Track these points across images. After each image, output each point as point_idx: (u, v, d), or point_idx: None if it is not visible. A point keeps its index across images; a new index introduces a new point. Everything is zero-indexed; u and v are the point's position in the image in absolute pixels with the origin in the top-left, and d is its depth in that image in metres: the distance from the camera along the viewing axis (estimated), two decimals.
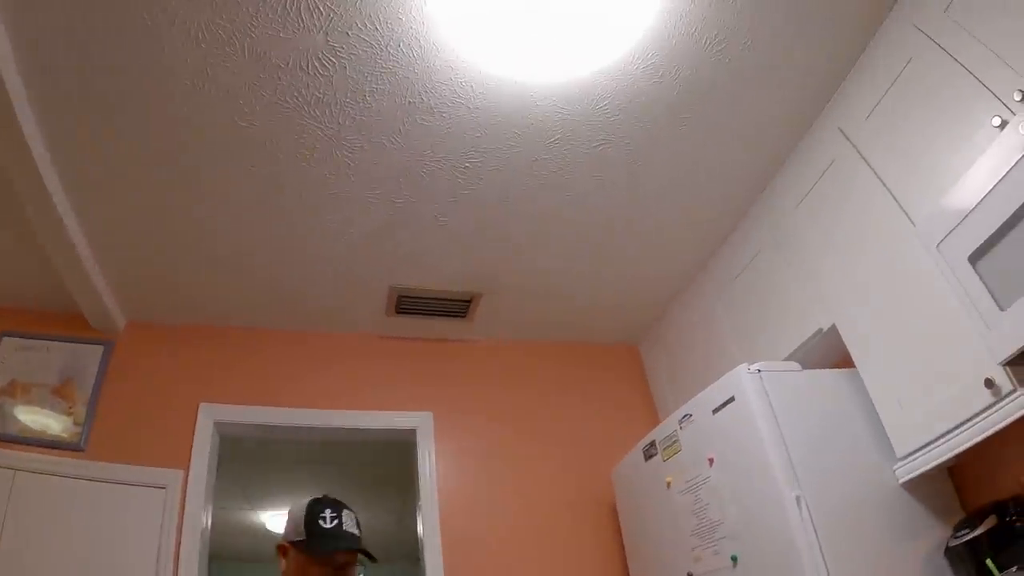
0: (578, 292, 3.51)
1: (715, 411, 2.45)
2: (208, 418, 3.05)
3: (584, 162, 2.69)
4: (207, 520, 2.95)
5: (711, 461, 2.43)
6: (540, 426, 3.54)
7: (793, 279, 2.77)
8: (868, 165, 2.41)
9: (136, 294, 3.11)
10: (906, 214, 2.27)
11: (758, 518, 2.23)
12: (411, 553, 3.46)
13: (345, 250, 2.95)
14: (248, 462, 4.70)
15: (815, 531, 2.11)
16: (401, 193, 2.67)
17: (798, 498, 2.14)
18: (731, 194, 3.02)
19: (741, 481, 2.31)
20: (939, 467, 2.27)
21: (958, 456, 2.41)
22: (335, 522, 1.72)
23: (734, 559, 2.29)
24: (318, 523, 1.70)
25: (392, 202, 2.71)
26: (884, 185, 2.35)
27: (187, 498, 2.88)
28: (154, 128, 2.32)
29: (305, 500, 1.76)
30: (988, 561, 1.84)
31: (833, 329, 2.55)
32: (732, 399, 2.38)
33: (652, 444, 2.79)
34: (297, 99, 2.24)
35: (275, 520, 5.98)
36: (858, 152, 2.45)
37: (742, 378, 2.36)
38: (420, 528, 3.13)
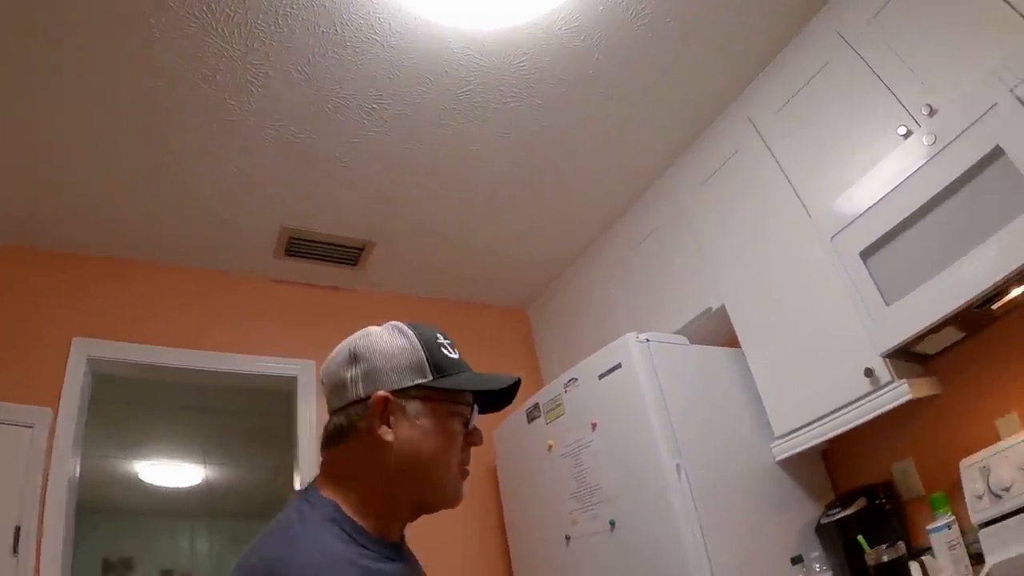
0: (472, 250, 3.43)
1: (601, 376, 2.45)
2: (81, 353, 2.73)
3: (493, 118, 2.59)
4: (76, 465, 2.65)
5: (594, 426, 2.44)
6: None
7: (688, 257, 2.82)
8: (773, 156, 2.48)
9: (9, 211, 2.74)
10: (804, 206, 2.35)
11: (638, 484, 2.26)
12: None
13: (237, 183, 2.71)
14: (123, 407, 4.35)
15: (693, 499, 2.17)
16: (303, 128, 2.48)
17: (678, 466, 2.18)
18: (637, 168, 3.01)
19: (623, 447, 2.33)
20: (814, 449, 2.39)
21: (831, 440, 2.52)
22: (457, 352, 1.16)
23: (612, 523, 2.31)
24: (443, 351, 1.11)
25: (292, 137, 2.50)
26: (786, 177, 2.42)
27: (55, 439, 2.56)
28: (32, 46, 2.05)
29: (386, 326, 1.14)
30: (860, 537, 1.90)
31: (722, 309, 2.63)
32: (619, 366, 2.38)
33: (536, 407, 2.77)
34: (206, 14, 2.07)
35: (150, 471, 5.56)
36: (764, 143, 2.51)
37: (630, 346, 2.38)
38: (296, 483, 3.02)
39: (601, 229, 3.41)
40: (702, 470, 2.25)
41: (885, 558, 1.70)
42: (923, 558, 2.00)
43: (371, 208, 2.98)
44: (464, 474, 1.11)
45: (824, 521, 2.34)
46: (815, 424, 2.27)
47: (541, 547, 2.70)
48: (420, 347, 1.08)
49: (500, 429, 3.03)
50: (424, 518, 2.76)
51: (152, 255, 3.11)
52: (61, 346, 2.73)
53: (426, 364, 1.06)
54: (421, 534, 2.95)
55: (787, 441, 2.37)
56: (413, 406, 1.04)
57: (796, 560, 1.95)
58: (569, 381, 2.59)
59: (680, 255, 2.87)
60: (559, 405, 2.61)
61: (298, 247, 3.15)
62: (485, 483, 3.21)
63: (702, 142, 2.86)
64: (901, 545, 1.70)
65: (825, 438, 2.24)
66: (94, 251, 2.98)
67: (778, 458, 2.41)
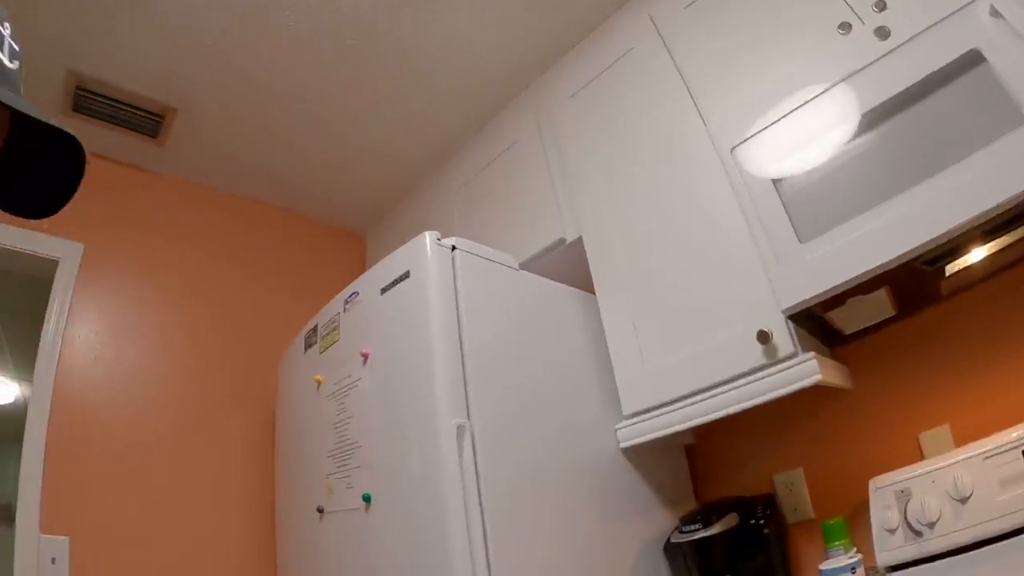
0: (298, 142, 2.75)
1: (385, 289, 1.73)
2: None
3: None
4: None
5: (365, 357, 1.71)
6: (223, 298, 2.75)
7: (546, 177, 2.19)
8: (671, 57, 1.87)
9: None
10: (700, 114, 1.75)
11: (404, 447, 1.54)
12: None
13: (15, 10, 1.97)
14: None
15: (478, 480, 1.44)
16: None
17: (460, 428, 1.45)
18: (504, 72, 2.45)
19: (395, 390, 1.61)
20: (674, 439, 1.76)
21: (698, 432, 1.90)
22: (15, 62, 0.70)
23: (367, 499, 1.58)
24: None
25: None
26: (682, 79, 1.82)
27: None
28: None
29: None
30: None
31: (579, 242, 2.00)
32: (407, 275, 1.67)
33: (314, 330, 2.03)
34: None
35: None
36: (663, 42, 1.90)
37: (426, 249, 1.65)
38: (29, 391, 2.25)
39: (452, 147, 2.79)
40: (502, 442, 1.53)
41: None
42: None
43: (166, 58, 2.28)
44: None
45: (676, 539, 1.70)
46: (679, 403, 1.63)
47: (296, 517, 1.96)
48: None
49: (283, 359, 2.30)
50: (180, 464, 2.29)
51: None
52: None
53: None
54: (180, 468, 2.31)
55: (638, 423, 1.72)
56: None
57: None
58: (351, 296, 1.86)
59: (538, 174, 2.21)
60: (336, 329, 1.88)
61: (88, 101, 2.42)
62: (265, 428, 2.52)
63: (587, 43, 2.29)
64: None
65: (690, 424, 1.61)
66: None
67: (623, 444, 1.75)
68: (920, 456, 1.59)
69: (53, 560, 2.00)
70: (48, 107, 2.41)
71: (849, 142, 1.40)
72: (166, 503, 2.27)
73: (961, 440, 1.53)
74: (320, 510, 1.78)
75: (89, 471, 2.18)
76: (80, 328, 2.36)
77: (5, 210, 0.73)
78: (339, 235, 3.31)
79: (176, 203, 2.77)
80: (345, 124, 2.62)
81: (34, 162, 0.71)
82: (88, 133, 2.51)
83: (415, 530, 1.46)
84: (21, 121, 0.66)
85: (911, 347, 1.68)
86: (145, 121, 2.53)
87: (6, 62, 0.67)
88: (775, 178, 1.49)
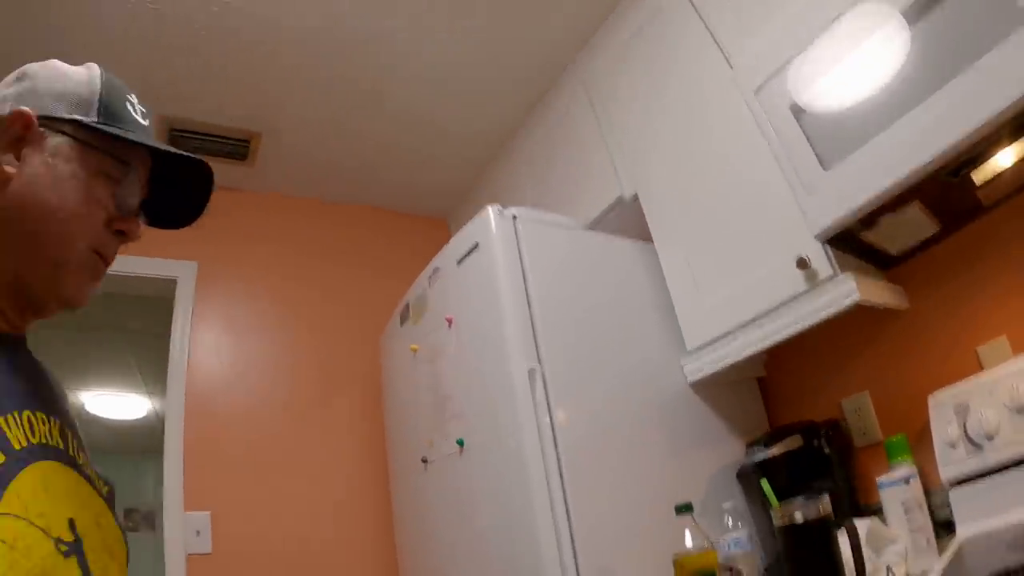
0: (377, 148, 2.97)
1: (459, 261, 1.94)
2: None
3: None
4: None
5: (450, 322, 1.93)
6: (323, 292, 3.05)
7: (600, 144, 2.32)
8: (696, 10, 1.95)
9: None
10: (727, 59, 1.84)
11: (487, 395, 1.76)
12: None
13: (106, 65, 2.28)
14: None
15: (551, 417, 1.63)
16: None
17: (532, 371, 1.65)
18: (550, 45, 2.53)
19: (476, 346, 1.83)
20: (738, 369, 1.88)
21: (766, 363, 2.01)
22: (148, 123, 0.93)
23: (460, 443, 1.81)
24: (127, 107, 0.89)
25: (145, 7, 2.07)
26: (710, 32, 1.90)
27: None
28: None
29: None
30: (763, 482, 1.39)
31: (636, 199, 2.13)
32: (476, 246, 1.87)
33: (407, 307, 2.28)
34: None
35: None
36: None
37: (490, 221, 1.85)
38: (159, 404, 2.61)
39: (515, 125, 2.91)
40: (573, 382, 1.72)
41: (799, 517, 1.16)
42: (857, 521, 1.48)
43: (248, 91, 2.55)
44: (95, 267, 0.84)
45: (744, 464, 1.82)
46: (736, 333, 1.75)
47: (406, 470, 2.21)
48: (99, 85, 0.86)
49: (383, 336, 2.55)
50: (304, 439, 2.56)
51: None
52: None
53: (96, 103, 0.84)
54: (302, 444, 2.62)
55: (701, 357, 1.85)
56: (57, 142, 0.80)
57: (682, 509, 1.42)
58: (433, 272, 2.07)
59: (592, 139, 2.34)
60: (425, 302, 2.10)
61: (181, 138, 2.72)
62: (372, 398, 2.80)
63: (620, 11, 2.33)
64: (826, 500, 1.18)
65: (748, 352, 1.72)
66: None
67: (691, 379, 1.89)
68: (980, 370, 1.59)
69: (198, 532, 2.33)
70: None
71: (861, 68, 1.43)
72: (291, 473, 2.58)
73: (1020, 350, 1.54)
74: (424, 460, 2.01)
75: (222, 454, 2.51)
76: (203, 335, 2.70)
77: (154, 225, 0.96)
78: (423, 223, 3.52)
79: (270, 214, 3.07)
80: (417, 114, 2.79)
81: (174, 186, 0.94)
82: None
83: (500, 465, 1.66)
84: (160, 157, 0.89)
85: (963, 262, 1.69)
86: (234, 148, 2.82)
87: (141, 121, 0.89)
88: (796, 112, 1.55)
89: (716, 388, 1.96)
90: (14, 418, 0.69)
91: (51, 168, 0.78)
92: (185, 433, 2.50)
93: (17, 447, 0.66)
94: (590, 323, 1.85)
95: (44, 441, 0.72)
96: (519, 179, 2.80)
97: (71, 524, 0.68)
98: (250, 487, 2.50)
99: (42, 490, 0.67)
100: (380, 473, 2.64)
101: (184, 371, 2.61)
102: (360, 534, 2.61)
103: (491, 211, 1.85)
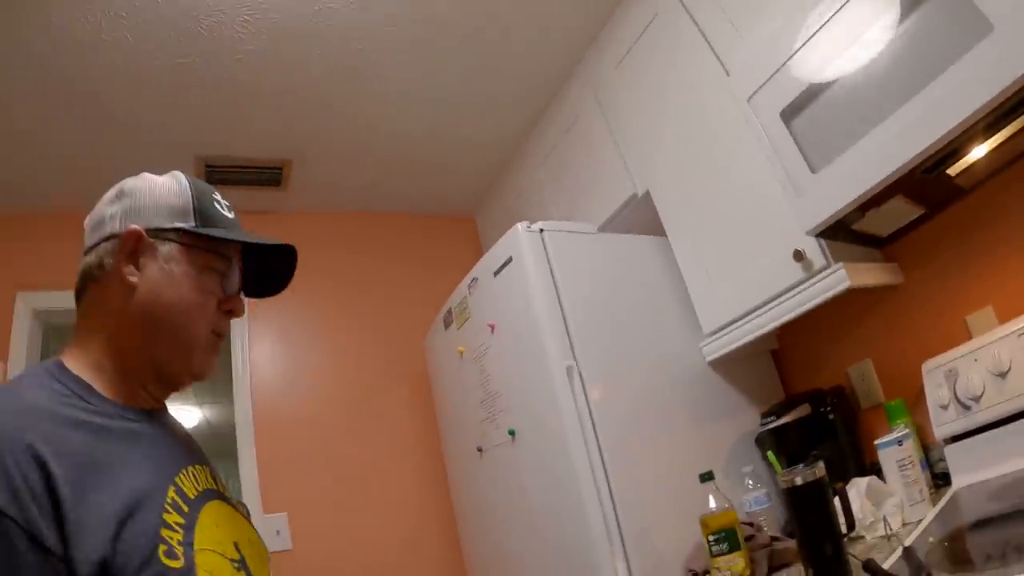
0: (398, 159, 3.14)
1: (496, 273, 2.17)
2: (27, 306, 2.72)
3: (378, 8, 2.28)
4: None
5: (492, 328, 2.17)
6: (365, 298, 3.29)
7: (611, 143, 2.48)
8: (691, 16, 2.09)
9: None
10: (723, 66, 1.99)
11: (531, 390, 2.00)
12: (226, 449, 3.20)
13: (143, 121, 2.54)
14: None
15: (589, 406, 1.88)
16: (186, 54, 2.26)
17: (570, 368, 1.89)
18: (557, 50, 2.66)
19: (518, 348, 2.06)
20: (753, 348, 2.08)
21: (781, 338, 2.20)
22: (233, 215, 1.09)
23: (512, 433, 2.07)
24: (215, 206, 1.05)
25: (177, 64, 2.29)
26: (704, 37, 2.04)
27: None
28: None
29: (166, 174, 1.05)
30: (770, 454, 1.60)
31: (648, 196, 2.31)
32: (510, 260, 2.10)
33: (449, 312, 2.51)
34: None
35: None
36: (682, 3, 2.12)
37: (520, 237, 2.07)
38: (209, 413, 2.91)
39: (529, 125, 3.06)
40: (606, 373, 1.96)
41: (799, 480, 1.37)
42: (858, 479, 1.70)
43: (276, 125, 2.74)
44: (215, 344, 1.02)
45: (759, 432, 2.04)
46: (747, 318, 1.96)
47: (462, 460, 2.48)
48: (190, 192, 1.01)
49: (428, 338, 2.80)
50: (366, 436, 2.80)
51: (82, 207, 2.92)
52: (6, 302, 2.73)
53: (192, 209, 0.99)
54: (361, 442, 2.89)
55: (717, 339, 2.07)
56: (167, 249, 0.96)
57: (705, 477, 1.65)
58: (472, 281, 2.31)
59: (604, 141, 2.51)
60: (466, 308, 2.34)
61: (217, 174, 2.94)
62: (424, 395, 3.04)
63: (620, 14, 2.45)
64: (821, 466, 1.38)
65: (758, 334, 1.93)
66: (30, 209, 2.89)
67: (709, 358, 2.11)
68: (969, 337, 1.75)
69: (277, 532, 2.62)
70: None
71: (841, 76, 1.56)
72: (354, 470, 2.85)
73: (1005, 318, 1.68)
74: (479, 449, 2.27)
75: (292, 459, 2.79)
76: (260, 349, 2.96)
77: (249, 295, 1.12)
78: (451, 222, 3.72)
79: (307, 232, 3.28)
80: (437, 129, 2.96)
81: (263, 263, 1.12)
82: (225, 197, 3.03)
83: (548, 451, 1.91)
84: (251, 246, 1.07)
85: (952, 237, 1.83)
86: (268, 176, 3.03)
87: (227, 214, 1.06)
88: (785, 118, 1.70)
89: (733, 363, 2.17)
90: (185, 474, 0.90)
91: (167, 273, 0.95)
92: (256, 439, 2.79)
93: (192, 496, 0.88)
94: (616, 317, 2.08)
95: (206, 486, 0.94)
96: (537, 179, 3.00)
97: (236, 546, 0.91)
98: (319, 486, 2.77)
99: (215, 525, 0.89)
100: (437, 463, 2.89)
101: (248, 382, 2.89)
102: (424, 520, 2.88)
103: (520, 228, 2.08)
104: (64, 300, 2.66)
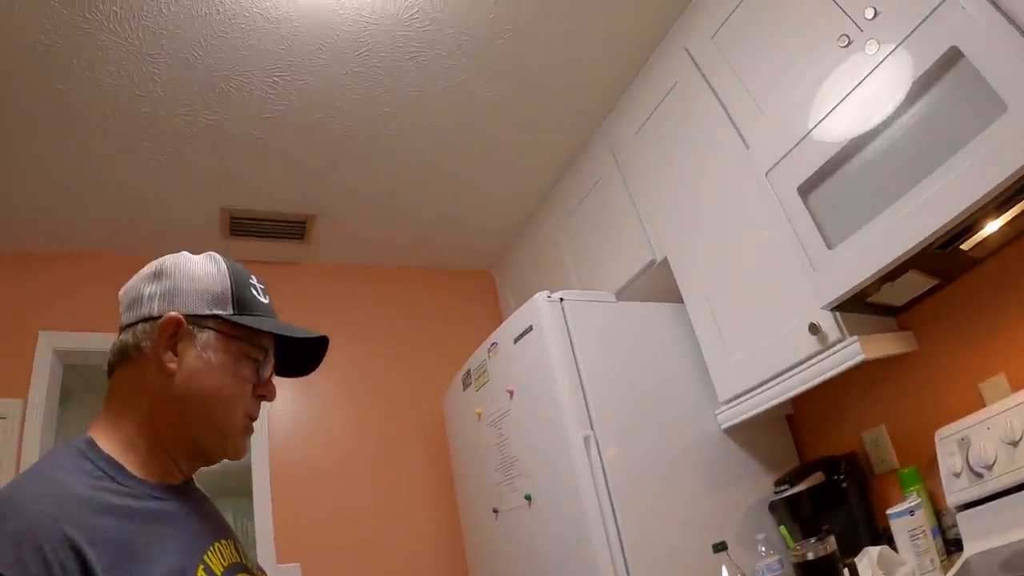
0: (419, 216, 3.22)
1: (516, 340, 2.23)
2: (48, 345, 2.74)
3: (401, 75, 2.36)
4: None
5: (511, 393, 2.22)
6: (383, 352, 3.32)
7: (630, 208, 2.51)
8: (710, 86, 2.14)
9: None
10: (743, 139, 2.02)
11: (548, 457, 2.04)
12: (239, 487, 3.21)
13: (166, 172, 2.62)
14: (101, 394, 4.34)
15: (606, 475, 1.91)
16: (212, 111, 2.34)
17: (586, 438, 1.93)
18: (577, 115, 2.72)
19: (536, 416, 2.11)
20: (768, 415, 2.09)
21: (796, 404, 2.22)
22: (268, 300, 1.10)
23: (528, 498, 2.10)
24: (252, 291, 1.05)
25: (204, 121, 2.38)
26: (724, 108, 2.09)
27: (25, 428, 2.58)
28: None
29: (202, 255, 1.06)
30: (782, 528, 1.62)
31: (666, 262, 2.34)
32: (531, 328, 2.15)
33: (468, 373, 2.56)
34: (96, 14, 1.92)
35: None
36: (701, 73, 2.17)
37: (540, 306, 2.14)
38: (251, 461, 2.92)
39: (550, 184, 3.14)
40: (622, 442, 2.00)
41: (810, 555, 1.38)
42: (870, 548, 1.71)
43: (299, 180, 2.82)
44: (248, 428, 1.04)
45: (773, 500, 2.05)
46: (762, 388, 1.98)
47: (478, 519, 2.50)
48: (228, 278, 1.02)
49: (445, 397, 2.84)
50: (381, 491, 2.72)
51: (106, 249, 3.05)
52: (28, 341, 2.75)
53: (230, 296, 1.00)
54: (376, 496, 2.90)
55: (732, 407, 2.09)
56: (205, 336, 0.97)
57: (718, 547, 1.67)
58: (491, 346, 2.36)
59: (622, 206, 2.55)
60: (485, 372, 2.39)
61: (241, 226, 3.02)
62: (440, 452, 3.06)
63: (640, 82, 2.52)
64: (832, 541, 1.39)
65: (774, 403, 1.95)
66: (56, 249, 2.96)
67: (724, 426, 2.13)
68: (982, 404, 1.75)
69: None
70: (211, 236, 3.06)
71: (857, 153, 1.60)
72: (369, 524, 2.86)
73: (1018, 385, 1.69)
74: (495, 511, 2.29)
75: (307, 511, 2.80)
76: (277, 398, 2.96)
77: (281, 375, 1.14)
78: (469, 276, 3.77)
79: (328, 284, 3.35)
80: (459, 183, 3.01)
81: (295, 345, 1.12)
82: (246, 249, 3.14)
83: (564, 517, 1.94)
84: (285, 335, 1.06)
85: (965, 305, 1.86)
86: (291, 229, 3.10)
87: (263, 299, 1.06)
88: (803, 194, 1.74)
89: (748, 429, 2.19)
90: (212, 551, 0.93)
91: (205, 361, 0.95)
92: (272, 491, 2.81)
93: (219, 572, 0.91)
94: (633, 384, 2.12)
95: (231, 560, 0.96)
96: (556, 238, 3.03)
97: None
98: (334, 538, 2.78)
99: None
100: (453, 520, 2.90)
101: (267, 434, 2.91)
102: None
103: (540, 297, 2.13)
104: (84, 341, 2.82)
